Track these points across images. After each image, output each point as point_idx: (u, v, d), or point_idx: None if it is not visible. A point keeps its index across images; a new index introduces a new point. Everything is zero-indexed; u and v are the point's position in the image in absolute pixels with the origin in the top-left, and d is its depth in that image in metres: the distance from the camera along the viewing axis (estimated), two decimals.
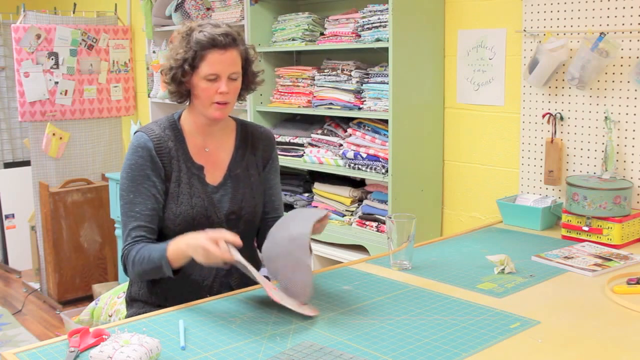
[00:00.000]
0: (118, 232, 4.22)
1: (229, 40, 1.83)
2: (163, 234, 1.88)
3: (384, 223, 2.85)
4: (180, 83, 1.86)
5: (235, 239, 1.63)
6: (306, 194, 3.30)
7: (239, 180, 1.95)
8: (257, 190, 1.98)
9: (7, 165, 5.47)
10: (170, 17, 4.07)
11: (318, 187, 3.21)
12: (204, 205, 1.88)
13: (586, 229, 2.22)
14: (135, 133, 1.92)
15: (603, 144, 2.38)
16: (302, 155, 3.20)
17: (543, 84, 2.50)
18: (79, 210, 4.55)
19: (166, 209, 1.86)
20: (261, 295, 1.76)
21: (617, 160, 2.37)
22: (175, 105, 4.20)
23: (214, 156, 1.95)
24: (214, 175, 1.93)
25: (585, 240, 2.22)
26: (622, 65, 2.33)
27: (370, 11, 2.87)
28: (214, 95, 1.83)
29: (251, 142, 2.01)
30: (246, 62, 1.91)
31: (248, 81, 1.95)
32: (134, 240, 1.82)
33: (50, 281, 4.56)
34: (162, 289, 1.91)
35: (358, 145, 2.95)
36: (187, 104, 1.94)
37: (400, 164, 2.77)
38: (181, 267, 1.75)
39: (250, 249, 2.03)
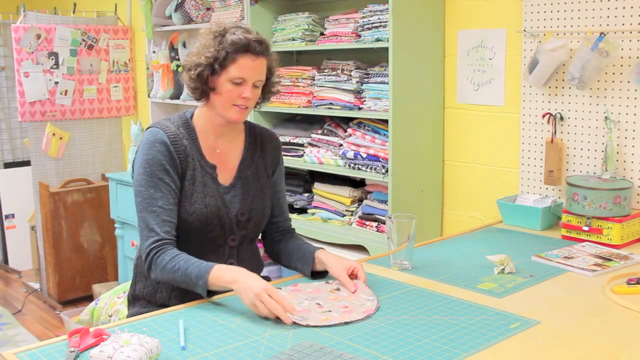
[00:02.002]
0: (118, 232, 4.22)
1: (263, 48, 1.86)
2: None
3: (384, 223, 2.85)
4: (205, 81, 1.85)
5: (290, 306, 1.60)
6: (306, 194, 3.30)
7: (248, 182, 1.96)
8: (265, 192, 1.99)
9: (7, 165, 5.47)
10: (170, 17, 4.07)
11: (318, 187, 3.21)
12: (216, 205, 1.88)
13: (586, 229, 2.22)
14: (148, 128, 1.90)
15: (603, 144, 2.38)
16: (302, 155, 3.20)
17: (543, 84, 2.50)
18: (79, 210, 4.55)
19: (179, 208, 1.85)
20: None
21: (617, 160, 2.37)
22: (175, 105, 4.22)
23: (224, 157, 1.95)
24: (225, 176, 1.93)
25: (585, 240, 2.22)
26: (622, 65, 2.33)
27: (370, 11, 2.87)
28: (237, 98, 1.84)
29: (260, 144, 2.02)
30: (269, 72, 1.93)
31: (267, 90, 1.97)
32: (161, 239, 1.78)
33: (50, 281, 4.56)
34: (167, 288, 1.90)
35: (358, 145, 2.95)
36: (203, 102, 1.93)
37: (400, 164, 2.77)
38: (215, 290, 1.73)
39: (254, 249, 2.04)
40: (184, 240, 1.87)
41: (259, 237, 2.09)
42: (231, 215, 1.90)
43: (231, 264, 1.92)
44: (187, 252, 1.80)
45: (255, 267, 2.03)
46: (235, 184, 1.94)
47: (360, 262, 2.06)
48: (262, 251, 2.13)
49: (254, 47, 1.83)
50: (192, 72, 1.85)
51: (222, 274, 1.68)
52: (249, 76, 1.83)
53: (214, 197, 1.88)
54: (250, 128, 2.04)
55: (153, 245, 1.78)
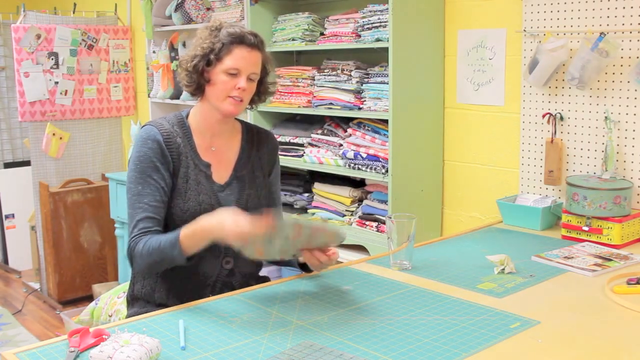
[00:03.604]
0: (118, 232, 4.22)
1: (257, 40, 1.88)
2: (169, 231, 1.86)
3: (384, 223, 2.85)
4: (201, 73, 1.86)
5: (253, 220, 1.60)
6: (306, 194, 3.30)
7: (244, 181, 1.96)
8: (261, 191, 1.99)
9: (7, 165, 5.47)
10: (170, 17, 4.07)
11: (318, 187, 3.21)
12: (210, 202, 1.88)
13: (586, 229, 2.22)
14: (143, 127, 1.91)
15: (603, 144, 2.38)
16: (302, 155, 3.20)
17: (543, 84, 2.50)
18: (79, 210, 4.55)
19: (173, 205, 1.86)
20: (261, 295, 1.77)
21: (617, 160, 2.37)
22: (175, 105, 4.21)
23: (220, 156, 1.96)
24: (220, 175, 1.94)
25: (585, 240, 2.22)
26: (622, 65, 2.33)
27: (370, 11, 2.87)
28: (232, 89, 1.85)
29: (257, 144, 2.03)
30: (264, 71, 1.94)
31: (261, 90, 1.98)
32: (140, 232, 1.80)
33: (50, 281, 4.56)
34: (165, 288, 1.91)
35: (358, 145, 2.95)
36: (198, 99, 1.94)
37: (400, 164, 2.77)
38: (194, 255, 1.74)
39: None
40: None
41: None
42: None
43: (227, 262, 1.92)
44: None
45: (254, 265, 2.03)
46: (231, 183, 1.94)
47: (360, 262, 2.07)
48: None
49: (249, 38, 1.86)
50: (188, 65, 1.87)
51: (189, 230, 1.70)
52: (244, 67, 1.85)
53: (208, 195, 1.89)
54: (247, 128, 2.05)
55: (131, 240, 1.80)
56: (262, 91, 1.98)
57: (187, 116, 1.96)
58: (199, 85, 1.89)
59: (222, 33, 1.86)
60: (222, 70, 1.85)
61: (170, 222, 1.87)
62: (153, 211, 1.82)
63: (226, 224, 1.63)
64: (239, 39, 1.85)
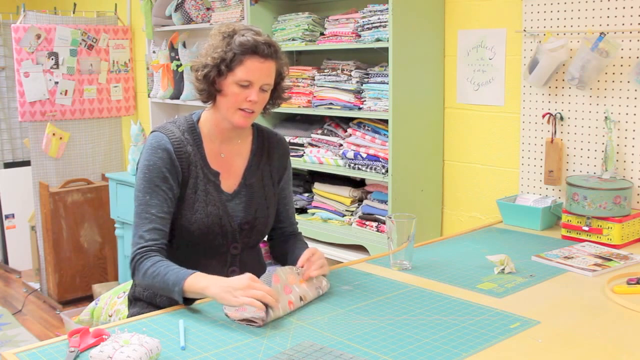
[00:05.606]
0: (118, 232, 4.22)
1: (271, 51, 1.80)
2: (176, 242, 1.85)
3: (384, 223, 2.85)
4: (212, 82, 1.82)
5: (266, 295, 1.56)
6: (306, 194, 3.30)
7: (253, 190, 1.92)
8: (270, 200, 1.96)
9: (7, 165, 5.48)
10: (170, 17, 4.07)
11: (318, 187, 3.21)
12: (218, 214, 1.85)
13: (586, 229, 2.22)
14: (152, 132, 1.87)
15: (603, 144, 2.38)
16: (302, 155, 3.20)
17: (543, 84, 2.50)
18: (79, 210, 4.55)
19: (180, 217, 1.83)
20: None
21: (617, 160, 2.37)
22: (175, 105, 4.22)
23: (229, 162, 1.92)
24: (229, 183, 1.90)
25: (585, 240, 2.22)
26: (622, 65, 2.33)
27: (370, 11, 2.87)
28: (243, 101, 1.80)
29: (267, 150, 1.98)
30: (279, 77, 1.88)
31: (276, 96, 1.93)
32: (147, 245, 1.76)
33: (50, 281, 4.56)
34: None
35: (358, 145, 2.95)
36: (210, 105, 1.89)
37: (400, 164, 2.77)
38: (192, 299, 1.69)
39: (257, 253, 2.03)
40: (185, 248, 1.86)
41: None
42: (234, 224, 1.88)
43: (233, 271, 1.90)
44: (189, 260, 1.79)
45: (258, 270, 2.01)
46: (240, 192, 1.91)
47: (360, 262, 2.07)
48: (263, 250, 2.12)
49: (262, 49, 1.78)
50: (198, 73, 1.82)
51: (196, 280, 1.65)
52: (256, 79, 1.79)
53: (216, 206, 1.85)
54: (258, 132, 1.99)
55: (137, 252, 1.76)
56: (275, 97, 1.93)
57: (197, 121, 1.91)
58: (210, 94, 1.84)
59: (234, 41, 1.78)
60: (233, 81, 1.79)
61: (176, 233, 1.85)
62: (160, 222, 1.79)
63: (230, 291, 1.58)
64: (252, 50, 1.77)
